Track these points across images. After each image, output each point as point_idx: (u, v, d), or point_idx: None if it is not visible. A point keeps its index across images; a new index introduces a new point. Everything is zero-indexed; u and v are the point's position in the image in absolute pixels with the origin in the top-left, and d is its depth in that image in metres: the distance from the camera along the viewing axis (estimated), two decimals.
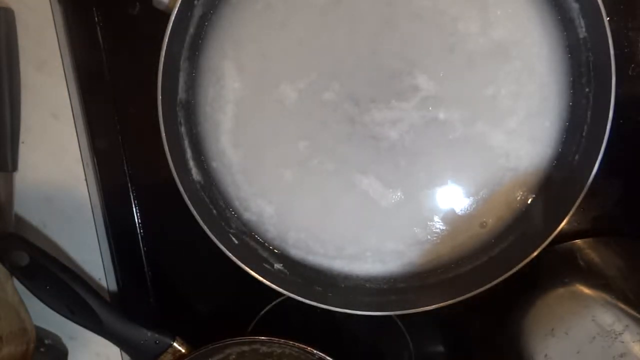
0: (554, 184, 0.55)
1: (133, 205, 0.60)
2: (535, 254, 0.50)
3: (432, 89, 0.53)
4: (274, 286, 0.51)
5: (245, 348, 0.56)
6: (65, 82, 0.56)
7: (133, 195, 0.60)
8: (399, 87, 0.53)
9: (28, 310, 0.55)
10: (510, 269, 0.50)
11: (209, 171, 0.56)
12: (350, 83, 0.54)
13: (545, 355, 0.49)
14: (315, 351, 0.53)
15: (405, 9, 0.53)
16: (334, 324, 0.59)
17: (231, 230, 0.55)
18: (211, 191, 0.56)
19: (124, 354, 0.59)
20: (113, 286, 0.60)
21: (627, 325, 0.46)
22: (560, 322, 0.50)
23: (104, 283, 0.59)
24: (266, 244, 0.57)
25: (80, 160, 0.57)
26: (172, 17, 0.48)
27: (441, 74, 0.53)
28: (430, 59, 0.53)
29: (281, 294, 0.51)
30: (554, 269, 0.56)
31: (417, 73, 0.53)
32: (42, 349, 0.56)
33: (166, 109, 0.50)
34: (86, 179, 0.57)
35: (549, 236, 0.50)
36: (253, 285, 0.51)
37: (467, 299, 0.51)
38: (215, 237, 0.51)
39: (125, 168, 0.60)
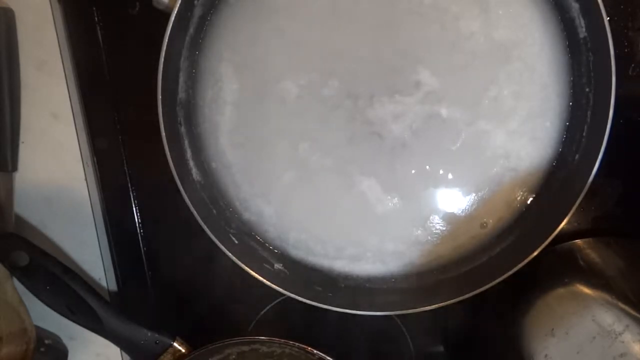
0: (554, 184, 0.55)
1: (133, 205, 0.60)
2: (535, 254, 0.50)
3: (435, 85, 0.53)
4: (274, 286, 0.51)
5: (245, 348, 0.56)
6: (65, 82, 0.56)
7: (133, 195, 0.60)
8: (401, 83, 0.53)
9: (28, 310, 0.55)
10: (510, 269, 0.50)
11: (209, 171, 0.56)
12: (351, 81, 0.54)
13: (545, 356, 0.49)
14: (315, 351, 0.53)
15: (406, 7, 0.53)
16: (334, 324, 0.59)
17: (231, 230, 0.55)
18: (211, 191, 0.56)
19: (124, 354, 0.59)
20: (113, 286, 0.60)
21: (627, 325, 0.46)
22: (560, 322, 0.50)
23: (104, 283, 0.59)
24: (266, 244, 0.57)
25: (80, 160, 0.57)
26: (172, 17, 0.48)
27: (443, 71, 0.53)
28: (432, 57, 0.53)
29: (281, 294, 0.51)
30: (554, 269, 0.56)
31: (420, 68, 0.53)
32: (42, 349, 0.56)
33: (166, 109, 0.50)
34: (86, 179, 0.57)
35: (549, 236, 0.50)
36: (253, 285, 0.51)
37: (467, 299, 0.51)
38: (215, 237, 0.51)
39: (125, 168, 0.60)
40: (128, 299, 0.60)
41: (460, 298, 0.51)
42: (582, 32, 0.52)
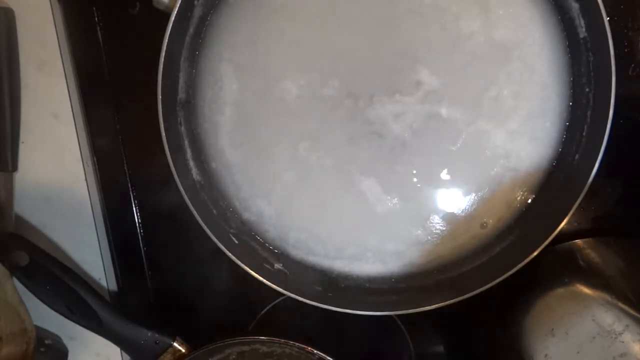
0: (554, 184, 0.55)
1: (133, 205, 0.60)
2: (535, 254, 0.50)
3: (435, 84, 0.53)
4: (274, 286, 0.51)
5: (245, 348, 0.56)
6: (65, 82, 0.56)
7: (133, 195, 0.60)
8: (401, 83, 0.53)
9: (28, 310, 0.55)
10: (510, 269, 0.50)
11: (209, 171, 0.56)
12: (351, 80, 0.54)
13: (545, 355, 0.49)
14: (315, 351, 0.53)
15: (406, 7, 0.53)
16: (334, 324, 0.59)
17: (231, 230, 0.55)
18: (211, 191, 0.56)
19: (124, 354, 0.59)
20: (113, 286, 0.60)
21: (627, 325, 0.46)
22: (560, 322, 0.50)
23: (104, 283, 0.59)
24: (266, 244, 0.57)
25: (80, 160, 0.57)
26: (172, 17, 0.48)
27: (443, 71, 0.53)
28: (432, 56, 0.53)
29: (281, 294, 0.51)
30: (554, 269, 0.56)
31: (420, 68, 0.53)
32: (42, 349, 0.56)
33: (166, 109, 0.50)
34: (86, 179, 0.57)
35: (549, 236, 0.50)
36: (253, 285, 0.51)
37: (467, 299, 0.51)
38: (216, 237, 0.51)
39: (125, 168, 0.60)
40: (128, 298, 0.60)
41: (460, 298, 0.51)
42: (582, 32, 0.52)
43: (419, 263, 0.56)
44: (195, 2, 0.52)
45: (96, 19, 0.58)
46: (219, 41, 0.54)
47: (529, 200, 0.55)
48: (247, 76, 0.54)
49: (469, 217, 0.55)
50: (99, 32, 0.58)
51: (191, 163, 0.55)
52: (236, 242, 0.55)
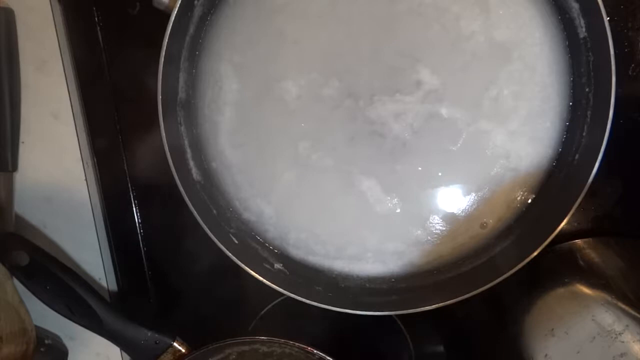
0: (554, 184, 0.55)
1: (133, 205, 0.60)
2: (535, 254, 0.50)
3: (436, 84, 0.53)
4: (274, 286, 0.51)
5: (245, 348, 0.56)
6: (65, 82, 0.56)
7: (133, 195, 0.60)
8: (402, 82, 0.53)
9: (28, 310, 0.55)
10: (511, 268, 0.50)
11: (209, 171, 0.56)
12: (352, 80, 0.54)
13: (545, 355, 0.49)
14: (315, 351, 0.53)
15: (406, 6, 0.53)
16: (334, 324, 0.59)
17: (231, 230, 0.55)
18: (211, 191, 0.56)
19: (124, 354, 0.59)
20: (113, 286, 0.60)
21: (627, 325, 0.46)
22: (560, 322, 0.50)
23: (104, 283, 0.59)
24: (266, 244, 0.57)
25: (80, 160, 0.57)
26: (172, 17, 0.48)
27: (444, 71, 0.53)
28: (433, 56, 0.53)
29: (281, 294, 0.51)
30: (554, 269, 0.56)
31: (420, 68, 0.53)
32: (42, 349, 0.56)
33: (166, 109, 0.50)
34: (86, 179, 0.57)
35: (549, 236, 0.50)
36: (253, 285, 0.51)
37: (467, 299, 0.51)
38: (216, 237, 0.51)
39: (125, 168, 0.60)
40: (128, 299, 0.61)
41: (460, 298, 0.51)
42: (582, 32, 0.52)
43: (419, 263, 0.56)
44: (195, 2, 0.52)
45: (96, 19, 0.58)
46: (219, 41, 0.54)
47: (529, 200, 0.55)
48: (247, 76, 0.54)
49: (469, 217, 0.55)
50: (99, 32, 0.58)
51: (191, 163, 0.55)
52: (236, 242, 0.55)
